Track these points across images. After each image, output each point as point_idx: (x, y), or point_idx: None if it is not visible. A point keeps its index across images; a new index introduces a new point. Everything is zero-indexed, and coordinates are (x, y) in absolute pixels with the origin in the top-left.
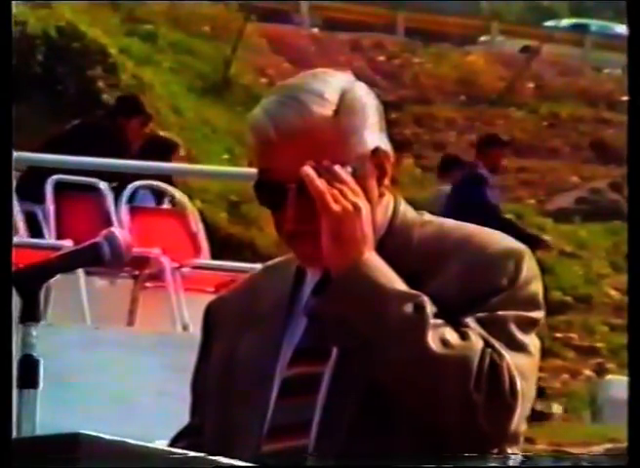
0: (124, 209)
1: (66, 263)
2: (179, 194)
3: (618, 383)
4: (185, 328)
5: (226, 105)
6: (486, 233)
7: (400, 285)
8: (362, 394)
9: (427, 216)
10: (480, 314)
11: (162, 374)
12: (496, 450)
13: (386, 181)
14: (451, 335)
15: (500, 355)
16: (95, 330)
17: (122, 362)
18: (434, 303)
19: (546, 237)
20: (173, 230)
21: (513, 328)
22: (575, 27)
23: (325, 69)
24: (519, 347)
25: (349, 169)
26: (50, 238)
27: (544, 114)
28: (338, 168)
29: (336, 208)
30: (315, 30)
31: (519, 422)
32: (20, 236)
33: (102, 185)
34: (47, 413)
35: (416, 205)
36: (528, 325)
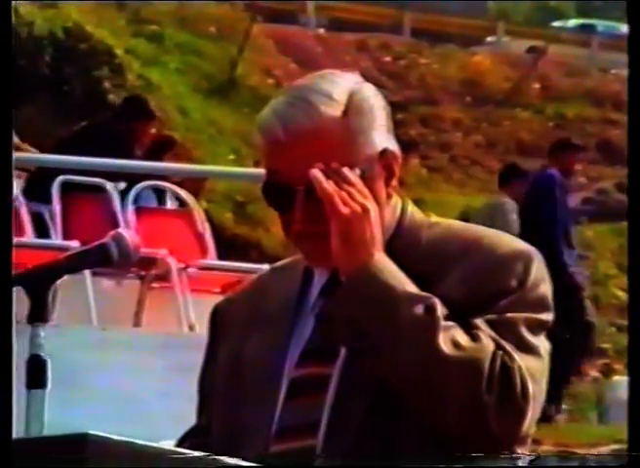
0: (130, 209)
1: (75, 264)
2: (185, 195)
3: (624, 384)
4: (192, 328)
5: (233, 106)
6: (494, 235)
7: (411, 286)
8: (371, 395)
9: (435, 218)
10: (489, 316)
11: (168, 375)
12: (505, 452)
13: (394, 182)
14: (462, 337)
15: (512, 357)
16: (101, 330)
17: (128, 362)
18: (443, 305)
19: None
20: (179, 231)
21: (523, 330)
22: (581, 28)
23: (333, 70)
24: (529, 349)
25: (358, 171)
26: (56, 238)
27: (551, 115)
28: (346, 170)
29: (345, 210)
30: (321, 31)
31: (529, 425)
32: (27, 236)
33: (109, 186)
34: (54, 414)
35: (421, 206)
36: (537, 327)
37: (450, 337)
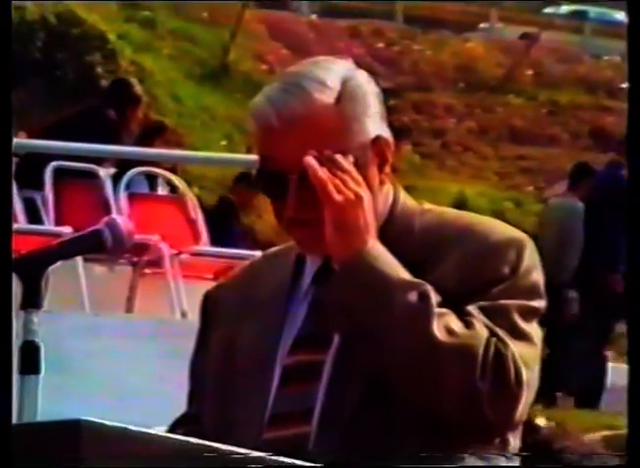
0: (122, 195)
1: (68, 250)
2: (177, 180)
3: (616, 371)
4: (184, 314)
5: (225, 92)
6: (487, 222)
7: (404, 273)
8: (364, 382)
9: (427, 205)
10: (482, 303)
11: (161, 361)
12: (498, 439)
13: (387, 169)
14: (455, 324)
15: (505, 344)
16: (93, 316)
17: (121, 348)
18: (436, 292)
19: None
20: (171, 217)
21: (516, 317)
22: (574, 14)
23: (326, 57)
24: (522, 336)
25: (351, 158)
26: (49, 224)
27: (544, 101)
28: (339, 157)
29: (338, 198)
30: (314, 17)
31: (523, 411)
32: (19, 222)
33: (101, 172)
34: (46, 400)
35: (413, 193)
36: (530, 314)
37: (443, 324)
